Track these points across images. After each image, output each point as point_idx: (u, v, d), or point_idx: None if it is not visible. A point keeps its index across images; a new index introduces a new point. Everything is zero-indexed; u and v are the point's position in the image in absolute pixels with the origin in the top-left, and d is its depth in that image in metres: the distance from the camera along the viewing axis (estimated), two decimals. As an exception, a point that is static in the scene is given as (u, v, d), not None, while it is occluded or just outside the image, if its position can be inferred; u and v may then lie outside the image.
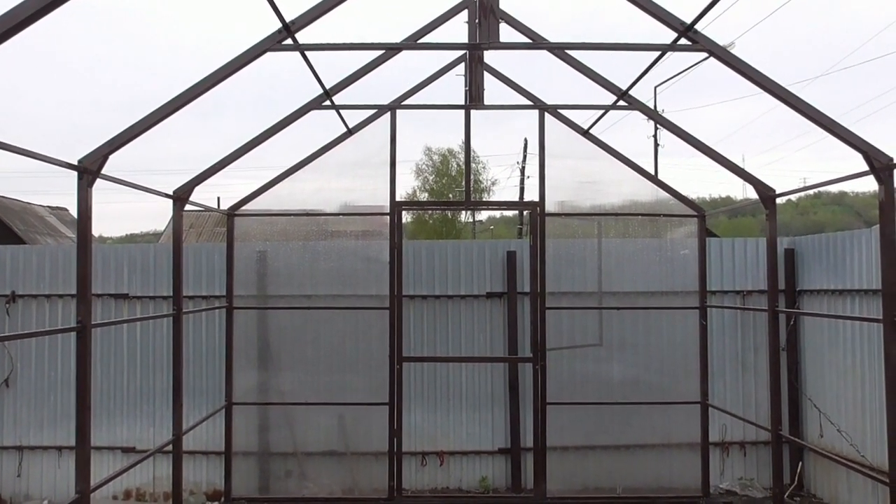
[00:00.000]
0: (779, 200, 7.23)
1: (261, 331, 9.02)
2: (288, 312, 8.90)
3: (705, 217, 8.64)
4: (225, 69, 5.29)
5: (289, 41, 5.47)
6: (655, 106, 32.64)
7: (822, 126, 5.46)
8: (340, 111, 7.89)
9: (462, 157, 32.35)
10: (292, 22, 5.39)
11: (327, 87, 7.18)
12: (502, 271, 9.38)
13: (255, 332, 9.00)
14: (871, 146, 5.10)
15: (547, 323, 8.21)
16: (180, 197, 6.76)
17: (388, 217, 8.40)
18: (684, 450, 8.75)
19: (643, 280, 9.04)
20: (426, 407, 9.30)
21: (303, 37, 5.71)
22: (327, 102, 7.43)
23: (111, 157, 5.07)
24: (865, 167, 5.33)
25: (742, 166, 7.67)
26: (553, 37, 6.88)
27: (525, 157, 35.83)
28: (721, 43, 5.75)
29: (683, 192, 8.69)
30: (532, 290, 8.28)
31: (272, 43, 5.37)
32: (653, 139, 32.17)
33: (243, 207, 8.61)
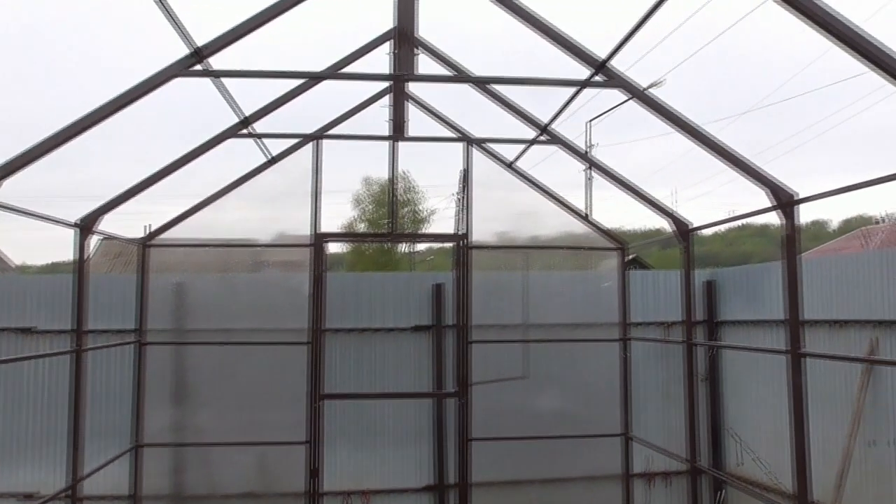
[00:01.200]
0: (707, 232, 7.40)
1: (177, 367, 8.64)
2: (206, 348, 8.54)
3: (626, 250, 8.76)
4: (129, 94, 5.09)
5: (199, 66, 5.31)
6: (589, 141, 33.37)
7: (730, 163, 5.59)
8: (262, 139, 7.72)
9: (401, 186, 32.30)
10: (204, 46, 5.25)
11: (248, 114, 7.02)
12: (430, 304, 9.28)
13: (171, 368, 8.60)
14: (774, 183, 5.24)
15: (474, 356, 8.11)
16: (85, 226, 6.44)
17: (312, 248, 8.19)
18: (610, 482, 8.73)
19: (569, 312, 9.05)
20: (351, 444, 9.04)
21: (218, 62, 5.59)
22: (247, 130, 7.26)
23: (21, 184, 4.81)
24: (773, 202, 5.48)
25: (674, 199, 7.86)
26: (482, 72, 6.89)
27: (462, 188, 35.97)
28: (650, 80, 5.87)
29: (619, 224, 8.91)
30: (457, 323, 8.19)
31: (181, 68, 5.20)
32: (585, 172, 32.78)
33: (161, 237, 8.28)
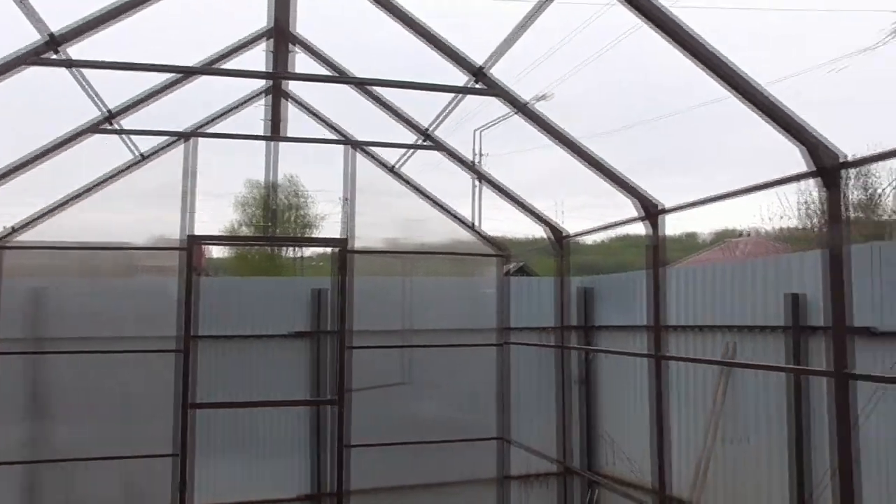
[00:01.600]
0: (591, 243, 7.64)
1: (34, 379, 8.01)
2: (68, 358, 7.95)
3: (508, 257, 8.91)
4: (-30, 81, 4.65)
5: (54, 55, 4.94)
6: (480, 149, 33.89)
7: (603, 175, 5.79)
8: (131, 136, 7.31)
9: (289, 190, 31.47)
10: (60, 34, 4.89)
11: (113, 108, 6.62)
12: (311, 309, 9.07)
13: (27, 380, 7.97)
14: (642, 195, 5.47)
15: (356, 363, 8.00)
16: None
17: (184, 252, 7.81)
18: (489, 485, 8.83)
19: (452, 318, 9.10)
20: (226, 456, 8.67)
21: (78, 53, 5.23)
22: (112, 126, 6.83)
23: None
24: (642, 212, 5.72)
25: (560, 209, 8.05)
26: (364, 73, 6.77)
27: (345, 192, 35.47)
28: (540, 92, 5.96)
29: (507, 232, 8.95)
30: (336, 329, 8.05)
31: (32, 56, 4.82)
32: (473, 180, 33.24)
33: (19, 238, 7.67)
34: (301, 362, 8.99)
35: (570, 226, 7.65)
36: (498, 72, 5.68)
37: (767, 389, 7.13)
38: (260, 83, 7.59)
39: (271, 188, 8.37)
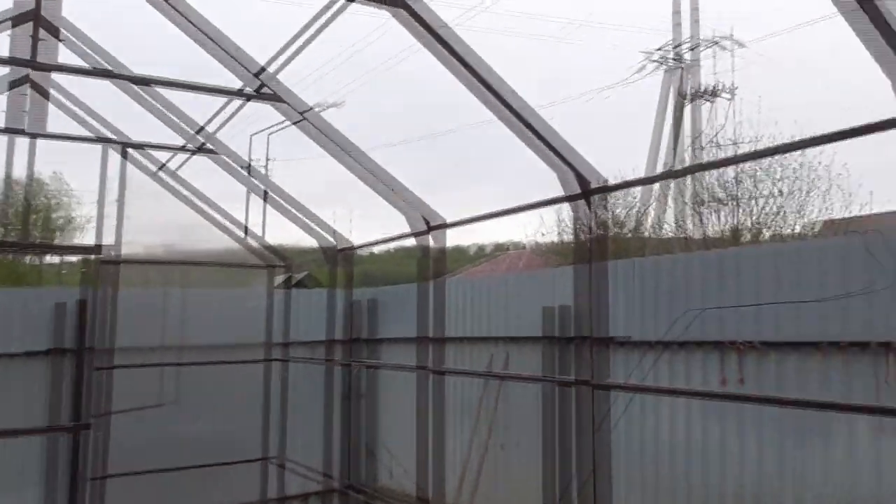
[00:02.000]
0: (380, 251, 7.61)
1: None
2: None
3: (290, 267, 8.69)
4: None
5: None
6: (267, 153, 32.56)
7: (388, 188, 5.86)
8: None
9: (51, 188, 28.13)
10: None
11: None
12: (58, 325, 8.09)
13: None
14: (419, 209, 5.61)
15: (118, 382, 7.30)
16: None
17: None
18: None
19: (225, 332, 8.62)
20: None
21: None
22: None
23: None
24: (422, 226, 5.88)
25: (349, 218, 7.96)
26: (139, 70, 6.22)
27: (100, 193, 32.48)
28: (326, 99, 5.85)
29: (302, 240, 8.58)
30: (86, 346, 7.28)
31: None
32: (248, 189, 31.83)
33: None
34: (46, 384, 7.94)
35: (360, 236, 7.64)
36: (286, 76, 5.51)
37: (534, 398, 7.59)
38: (5, 70, 6.70)
39: (13, 186, 7.40)
